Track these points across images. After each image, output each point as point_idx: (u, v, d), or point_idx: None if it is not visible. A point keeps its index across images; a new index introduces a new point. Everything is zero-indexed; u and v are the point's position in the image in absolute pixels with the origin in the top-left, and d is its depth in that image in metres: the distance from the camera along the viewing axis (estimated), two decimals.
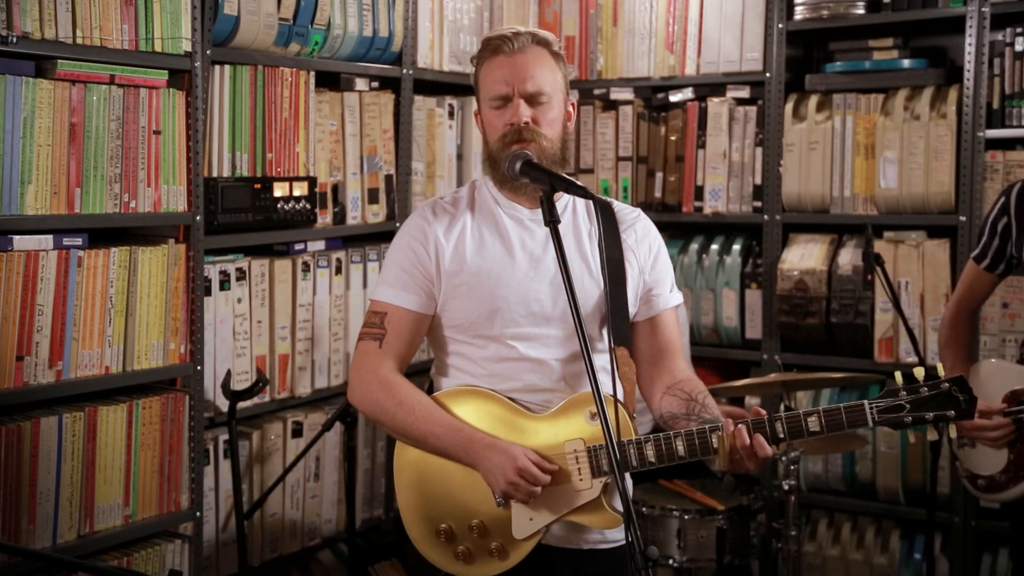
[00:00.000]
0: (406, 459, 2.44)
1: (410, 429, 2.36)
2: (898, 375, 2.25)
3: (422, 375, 2.68)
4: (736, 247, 4.52)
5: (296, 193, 3.55)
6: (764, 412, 2.27)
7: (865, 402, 2.23)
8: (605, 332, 2.42)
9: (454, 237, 2.42)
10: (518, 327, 2.38)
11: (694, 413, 2.36)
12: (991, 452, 3.03)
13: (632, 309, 2.46)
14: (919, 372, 2.24)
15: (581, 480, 2.30)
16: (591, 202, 2.31)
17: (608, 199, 2.53)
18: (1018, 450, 2.99)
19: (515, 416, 2.37)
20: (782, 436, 2.24)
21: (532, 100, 2.36)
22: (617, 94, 4.72)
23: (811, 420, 2.23)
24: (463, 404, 2.39)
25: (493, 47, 2.40)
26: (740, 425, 2.23)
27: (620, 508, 2.26)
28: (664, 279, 2.50)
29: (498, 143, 2.38)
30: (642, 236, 2.47)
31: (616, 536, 2.41)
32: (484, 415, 2.37)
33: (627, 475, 2.32)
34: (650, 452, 2.28)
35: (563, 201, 2.46)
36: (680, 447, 2.27)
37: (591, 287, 2.41)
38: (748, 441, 2.21)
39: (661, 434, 2.29)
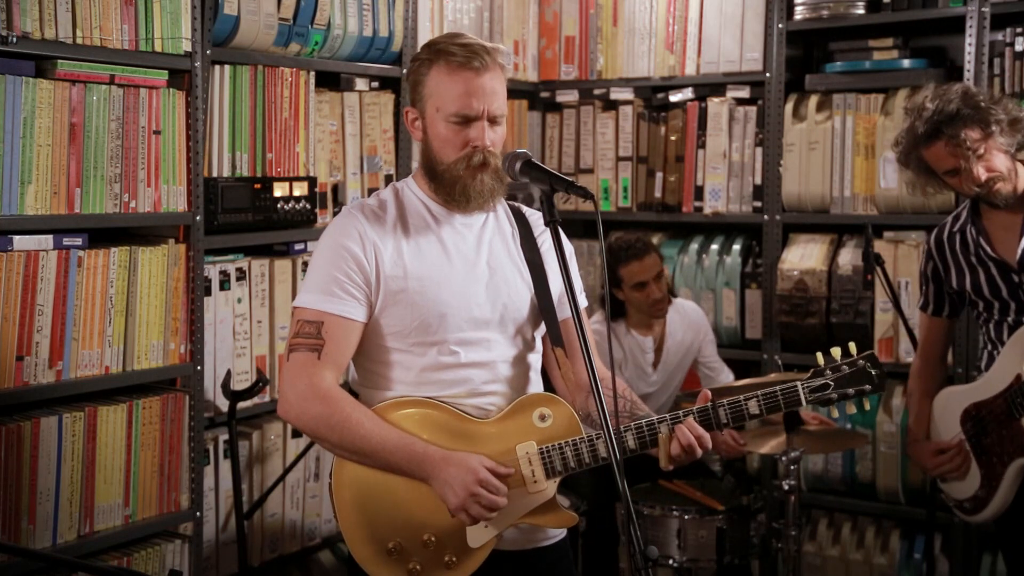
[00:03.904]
0: (347, 477, 2.31)
1: (358, 445, 2.26)
2: (819, 356, 2.40)
3: None
4: (736, 247, 4.52)
5: (296, 193, 3.55)
6: (710, 395, 2.33)
7: (799, 383, 2.36)
8: (538, 333, 2.46)
9: (390, 241, 2.34)
10: (461, 332, 2.34)
11: (625, 410, 2.38)
12: (968, 474, 3.10)
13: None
14: (836, 352, 2.39)
15: (536, 482, 2.30)
16: (509, 207, 2.47)
17: (519, 205, 2.52)
18: (984, 462, 3.04)
19: (462, 423, 2.33)
20: (725, 421, 2.32)
21: (492, 121, 2.34)
22: (617, 94, 4.72)
23: (751, 404, 2.33)
24: (408, 416, 2.31)
25: (458, 62, 2.31)
26: (687, 417, 2.31)
27: (567, 506, 2.37)
28: (577, 283, 2.49)
29: (460, 163, 2.32)
30: (563, 248, 2.39)
31: (556, 533, 2.44)
32: (431, 425, 2.31)
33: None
34: (601, 448, 2.29)
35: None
36: (631, 441, 2.30)
37: (523, 289, 2.41)
38: (688, 438, 2.27)
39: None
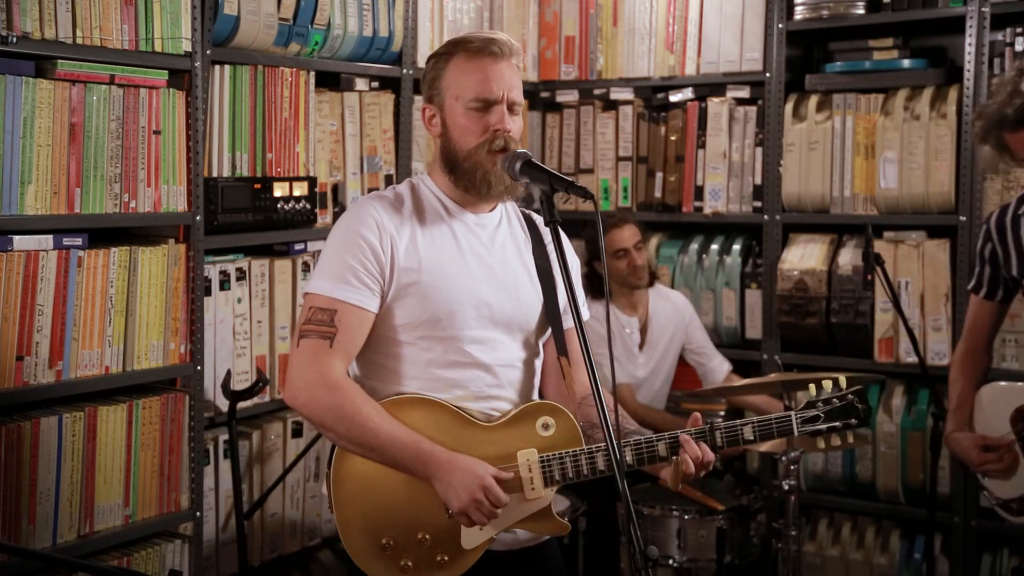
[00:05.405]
0: (346, 470, 2.32)
1: (366, 439, 2.25)
2: (812, 388, 2.45)
3: None
4: (736, 247, 4.52)
5: (296, 193, 3.55)
6: (700, 418, 2.36)
7: (792, 413, 2.41)
8: (542, 341, 2.46)
9: (406, 233, 2.33)
10: (469, 329, 2.34)
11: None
12: (1015, 474, 3.04)
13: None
14: (828, 384, 2.44)
15: (533, 489, 2.30)
16: (521, 214, 2.46)
17: (529, 211, 2.52)
18: None
19: (466, 425, 2.32)
20: (720, 445, 2.34)
21: (511, 109, 2.34)
22: (617, 94, 4.72)
23: (746, 430, 2.35)
24: (412, 413, 2.30)
25: (476, 48, 2.33)
26: (686, 436, 2.31)
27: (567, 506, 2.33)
28: (579, 292, 2.49)
29: (481, 148, 2.32)
30: (563, 249, 2.38)
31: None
32: (434, 425, 2.30)
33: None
34: (600, 462, 2.29)
35: (498, 211, 2.45)
36: (629, 456, 2.30)
37: (532, 294, 2.42)
38: (698, 452, 2.28)
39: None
